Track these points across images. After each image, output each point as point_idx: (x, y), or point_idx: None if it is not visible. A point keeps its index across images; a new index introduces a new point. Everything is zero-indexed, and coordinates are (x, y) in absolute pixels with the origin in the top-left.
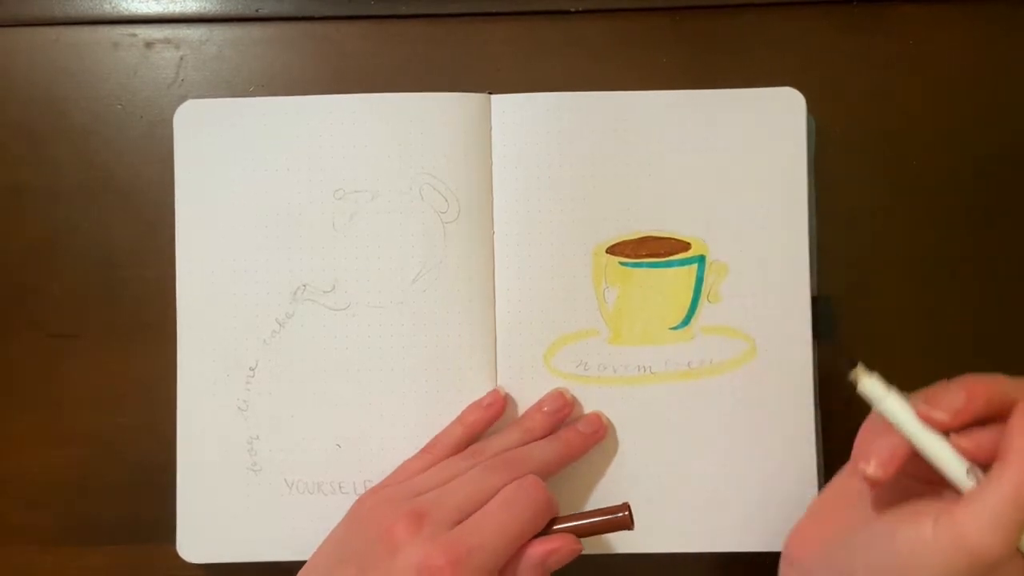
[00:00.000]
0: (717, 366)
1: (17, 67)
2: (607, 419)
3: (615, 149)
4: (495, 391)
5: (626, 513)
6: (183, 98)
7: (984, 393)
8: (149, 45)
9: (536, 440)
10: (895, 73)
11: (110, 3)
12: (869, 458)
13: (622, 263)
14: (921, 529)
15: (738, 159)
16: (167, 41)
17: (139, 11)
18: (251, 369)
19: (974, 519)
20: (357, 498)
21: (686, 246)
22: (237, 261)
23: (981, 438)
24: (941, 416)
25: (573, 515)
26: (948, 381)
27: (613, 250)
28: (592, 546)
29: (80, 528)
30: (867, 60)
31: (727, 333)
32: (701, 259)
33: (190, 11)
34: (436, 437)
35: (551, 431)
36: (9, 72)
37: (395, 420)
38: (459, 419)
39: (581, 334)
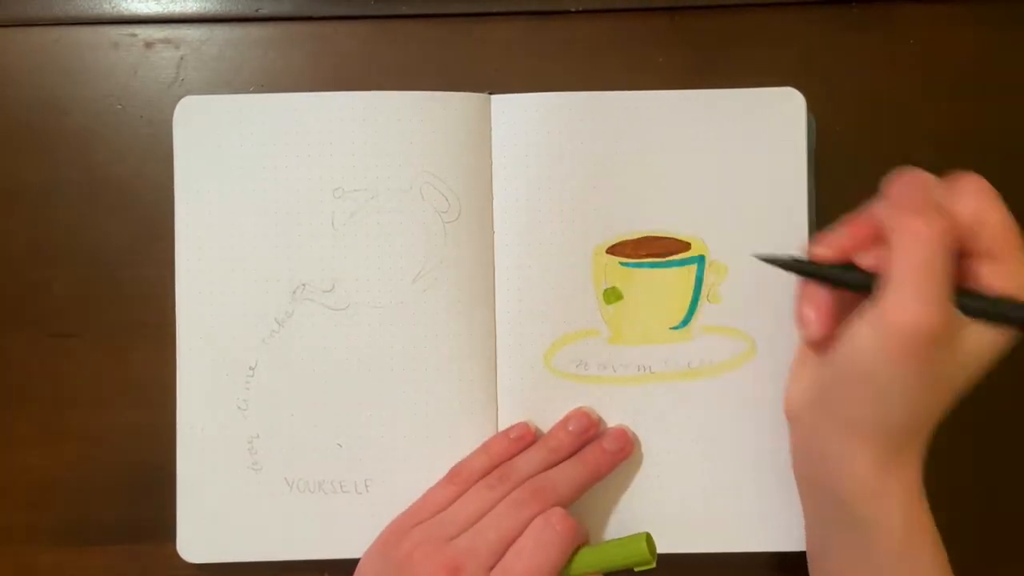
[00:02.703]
0: (717, 366)
1: (17, 67)
2: (632, 433)
3: (615, 149)
4: (524, 424)
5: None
6: (183, 98)
7: (865, 224)
8: (149, 45)
9: (561, 460)
10: (895, 73)
11: (110, 3)
12: (804, 324)
13: (622, 263)
14: (858, 334)
15: (738, 159)
16: (167, 41)
17: (139, 11)
18: (251, 369)
19: (893, 301)
20: (385, 528)
21: (686, 246)
22: (236, 260)
23: (880, 252)
24: (825, 252)
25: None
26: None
27: (613, 250)
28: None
29: (80, 528)
30: (867, 60)
31: (727, 333)
32: (701, 259)
33: (190, 11)
34: (460, 465)
35: (576, 451)
36: (9, 72)
37: (395, 419)
38: (484, 447)
39: (581, 334)
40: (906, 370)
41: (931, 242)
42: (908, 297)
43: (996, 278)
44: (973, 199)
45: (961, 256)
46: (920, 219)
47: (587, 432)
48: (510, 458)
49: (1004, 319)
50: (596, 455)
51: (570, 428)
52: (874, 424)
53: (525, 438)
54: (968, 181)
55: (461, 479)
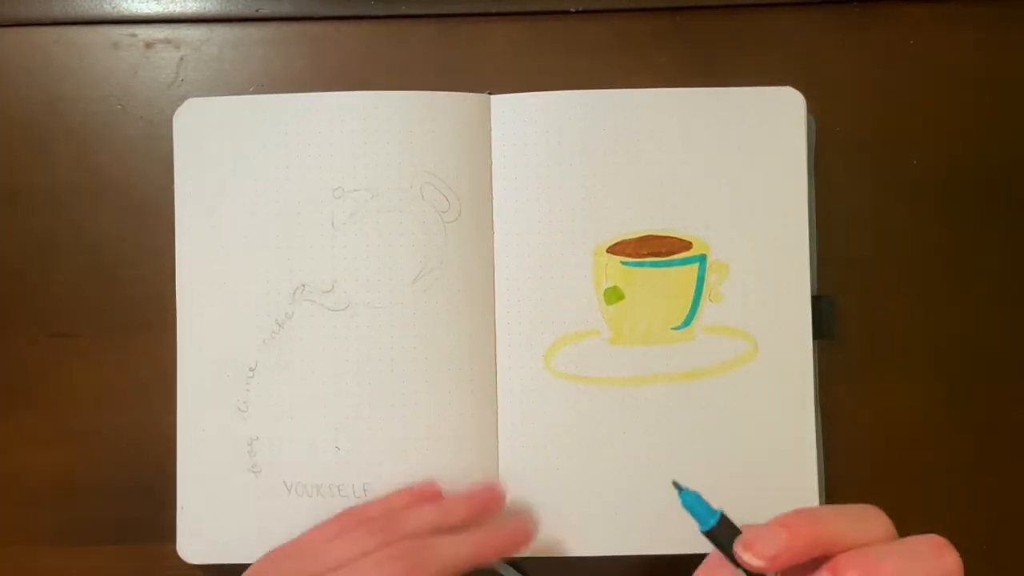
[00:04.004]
0: (719, 366)
1: (17, 67)
2: (534, 525)
3: (615, 148)
4: (432, 485)
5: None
6: (183, 98)
7: (808, 535)
8: (149, 45)
9: (451, 524)
10: (895, 73)
11: (110, 3)
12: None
13: (624, 263)
14: None
15: (738, 159)
16: (167, 41)
17: (139, 11)
18: (251, 370)
19: None
20: (258, 560)
21: (687, 245)
22: (236, 261)
23: None
24: (756, 562)
25: None
26: (779, 518)
27: (614, 249)
28: (591, 548)
29: (80, 528)
30: (867, 60)
31: (728, 333)
32: (703, 258)
33: (190, 11)
34: (353, 508)
35: (470, 524)
36: (9, 72)
37: (395, 422)
38: (386, 498)
39: (581, 334)
40: None
41: None
42: None
43: None
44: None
45: None
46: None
47: (489, 509)
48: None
49: None
50: (489, 537)
51: (473, 499)
52: None
53: (427, 495)
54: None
55: (346, 521)
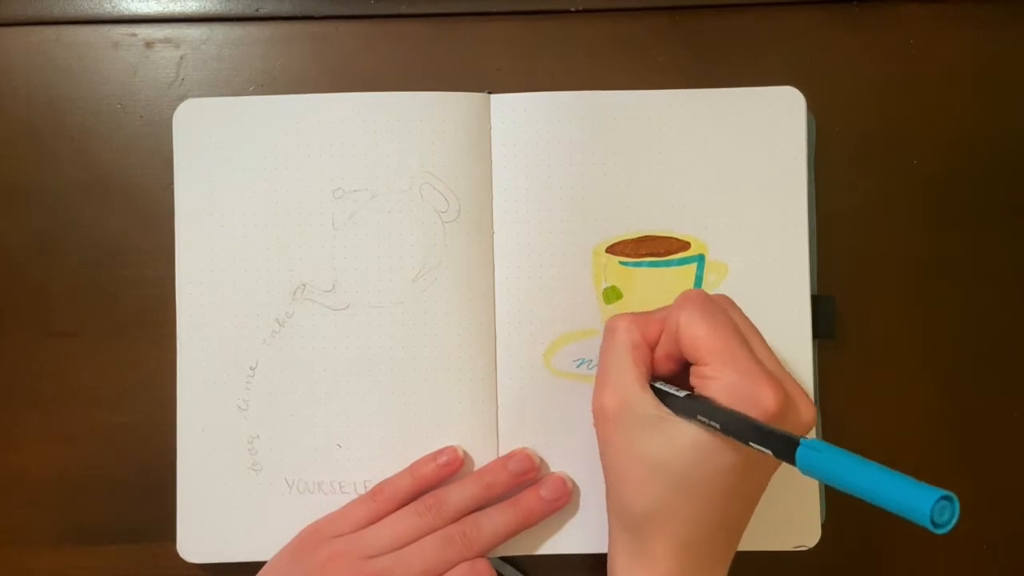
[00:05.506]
0: None
1: (17, 67)
2: (572, 482)
3: (615, 148)
4: (453, 449)
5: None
6: (183, 98)
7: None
8: (149, 45)
9: (494, 497)
10: (895, 72)
11: (110, 3)
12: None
13: (622, 262)
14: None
15: (738, 158)
16: (167, 41)
17: (139, 11)
18: (251, 369)
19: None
20: (301, 532)
21: (685, 245)
22: (237, 260)
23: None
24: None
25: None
26: None
27: (613, 249)
28: (591, 546)
29: (80, 528)
30: (868, 59)
31: None
32: (700, 258)
33: (190, 11)
34: (384, 483)
35: (511, 492)
36: (9, 72)
37: (395, 420)
38: (410, 470)
39: (581, 333)
40: (603, 441)
41: (613, 344)
42: (596, 383)
43: (695, 379)
44: (678, 314)
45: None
46: (615, 322)
47: (526, 475)
48: (436, 483)
49: (689, 414)
50: (531, 502)
51: (510, 467)
52: (608, 491)
53: (452, 464)
54: (681, 298)
55: (383, 498)
